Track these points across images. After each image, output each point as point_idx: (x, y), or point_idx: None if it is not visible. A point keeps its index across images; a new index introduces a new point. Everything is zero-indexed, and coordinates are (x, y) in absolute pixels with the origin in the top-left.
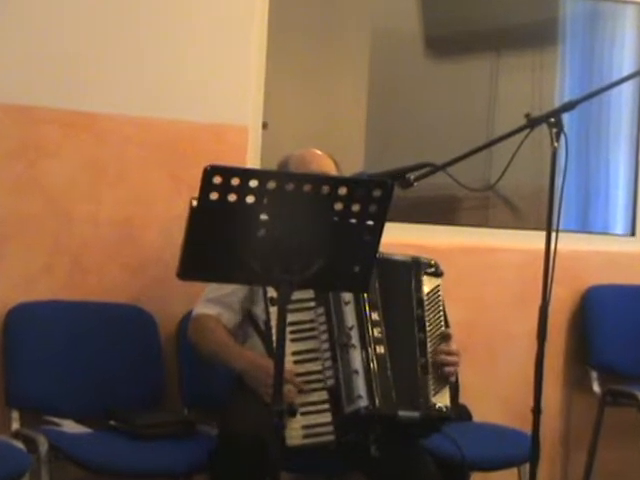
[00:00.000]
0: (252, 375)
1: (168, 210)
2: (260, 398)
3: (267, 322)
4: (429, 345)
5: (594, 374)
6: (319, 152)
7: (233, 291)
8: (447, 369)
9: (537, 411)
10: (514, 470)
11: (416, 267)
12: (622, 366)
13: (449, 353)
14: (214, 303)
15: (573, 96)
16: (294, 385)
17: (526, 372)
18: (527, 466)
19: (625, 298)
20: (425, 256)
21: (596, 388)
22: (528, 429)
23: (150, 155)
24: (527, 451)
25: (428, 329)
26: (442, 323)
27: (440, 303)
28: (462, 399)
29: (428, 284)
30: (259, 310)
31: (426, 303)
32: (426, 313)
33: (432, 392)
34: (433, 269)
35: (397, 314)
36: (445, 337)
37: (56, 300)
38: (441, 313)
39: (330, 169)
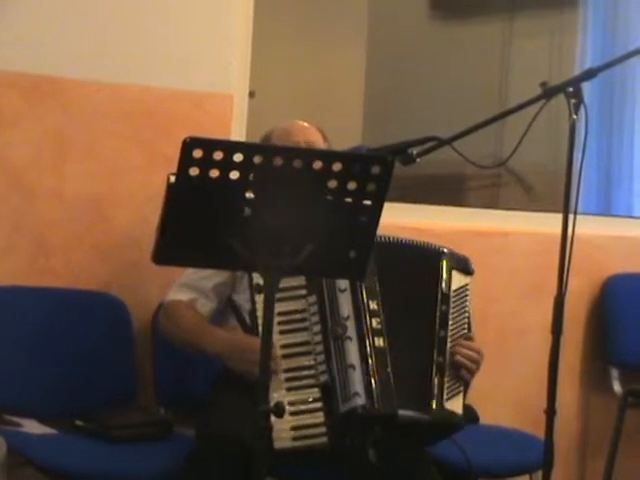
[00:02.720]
0: (231, 356)
1: (142, 187)
2: (243, 382)
3: (252, 312)
4: (449, 345)
5: (614, 372)
6: (305, 124)
7: (208, 275)
8: (466, 365)
9: (551, 413)
10: (525, 478)
11: (446, 258)
12: None
13: (470, 348)
14: (186, 288)
15: (594, 63)
16: (278, 364)
17: (539, 370)
18: (540, 473)
19: None
20: (458, 251)
21: (617, 388)
22: (541, 432)
23: (122, 126)
24: (540, 457)
25: (451, 328)
26: (465, 326)
27: (467, 305)
28: (468, 399)
29: (457, 281)
30: (242, 299)
31: (452, 300)
32: (451, 311)
33: (446, 396)
34: (464, 265)
35: (408, 305)
36: (468, 339)
37: (17, 286)
38: (466, 315)
39: (318, 142)
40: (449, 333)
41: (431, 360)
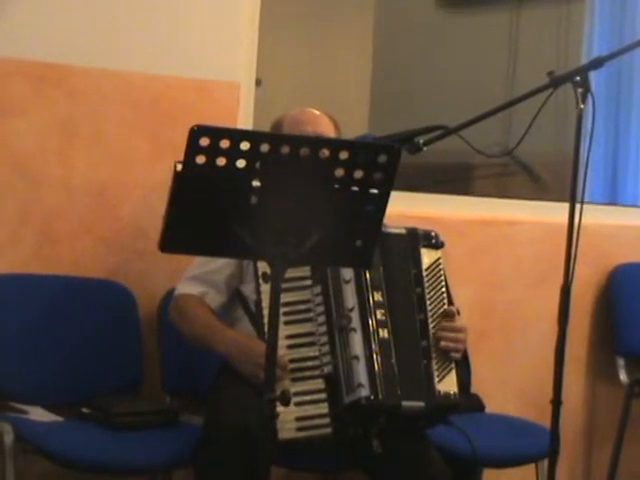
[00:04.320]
0: (238, 358)
1: (149, 175)
2: (248, 383)
3: (258, 302)
4: (431, 326)
5: (621, 362)
6: (316, 112)
7: (219, 268)
8: (450, 347)
9: (557, 402)
10: (531, 467)
11: (413, 240)
12: None
13: (452, 330)
14: (197, 281)
15: (602, 52)
16: (285, 372)
17: (546, 359)
18: (545, 463)
19: None
20: (422, 227)
21: (623, 377)
22: (547, 422)
23: (129, 114)
24: (545, 446)
25: (429, 309)
26: (444, 301)
27: (442, 278)
28: (474, 388)
29: (427, 258)
30: (249, 290)
31: (426, 280)
32: (426, 291)
33: (436, 378)
34: (432, 240)
35: (399, 294)
36: (448, 315)
37: (23, 274)
38: (443, 289)
39: (329, 131)
40: (429, 314)
41: (417, 346)
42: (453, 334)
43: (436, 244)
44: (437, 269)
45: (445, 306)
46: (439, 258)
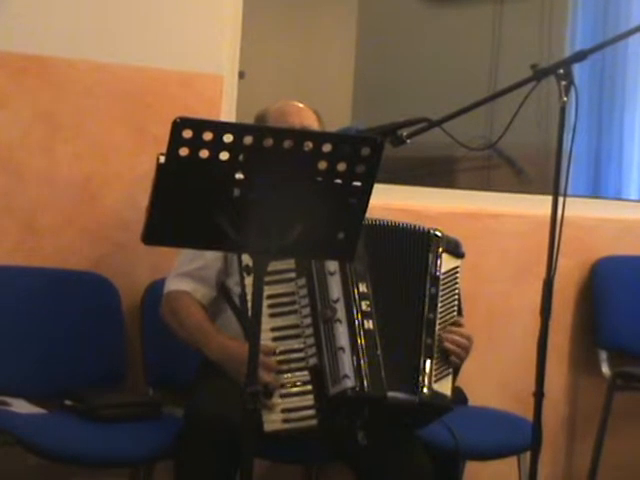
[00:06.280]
0: (230, 366)
1: (132, 168)
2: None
3: (242, 295)
4: (437, 327)
5: (603, 355)
6: (300, 104)
7: (208, 264)
8: (455, 352)
9: (539, 395)
10: (513, 459)
11: (436, 240)
12: (634, 346)
13: (459, 335)
14: (188, 277)
15: (585, 46)
16: (270, 366)
17: (528, 352)
18: (528, 455)
19: (639, 271)
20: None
21: (605, 370)
22: (529, 415)
23: (112, 106)
24: (528, 439)
25: (440, 310)
26: (455, 309)
27: (456, 287)
28: (457, 381)
29: (447, 263)
30: (233, 282)
31: (441, 283)
32: (440, 293)
33: (434, 378)
34: (455, 247)
35: (397, 288)
36: (456, 324)
37: (5, 265)
38: (456, 297)
39: (312, 123)
40: (438, 315)
41: (420, 342)
42: (458, 337)
43: (458, 252)
44: (454, 277)
45: (455, 314)
46: (457, 267)
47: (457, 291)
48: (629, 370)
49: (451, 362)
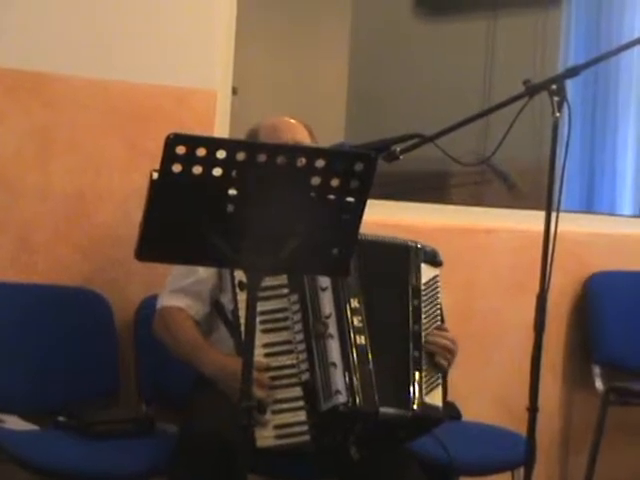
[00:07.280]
0: (224, 383)
1: (125, 183)
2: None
3: (235, 311)
4: (424, 339)
5: (597, 370)
6: (292, 120)
7: (202, 280)
8: (442, 356)
9: (533, 410)
10: (507, 475)
11: (414, 252)
12: (628, 361)
13: (444, 337)
14: (181, 293)
15: (578, 61)
16: (263, 382)
17: (522, 367)
18: (522, 470)
19: (632, 286)
20: (423, 242)
21: (599, 385)
22: (523, 430)
23: (105, 121)
24: (522, 454)
25: (424, 322)
26: (438, 318)
27: (438, 296)
28: (450, 396)
29: (426, 273)
30: (226, 299)
31: (423, 294)
32: (423, 304)
33: (425, 390)
34: (433, 257)
35: (384, 302)
36: (440, 329)
37: None
38: (438, 307)
39: (304, 139)
40: (423, 327)
41: (407, 355)
42: (445, 341)
43: (435, 261)
44: (434, 286)
45: (439, 323)
46: (437, 276)
47: (439, 299)
48: (623, 385)
49: (439, 366)
